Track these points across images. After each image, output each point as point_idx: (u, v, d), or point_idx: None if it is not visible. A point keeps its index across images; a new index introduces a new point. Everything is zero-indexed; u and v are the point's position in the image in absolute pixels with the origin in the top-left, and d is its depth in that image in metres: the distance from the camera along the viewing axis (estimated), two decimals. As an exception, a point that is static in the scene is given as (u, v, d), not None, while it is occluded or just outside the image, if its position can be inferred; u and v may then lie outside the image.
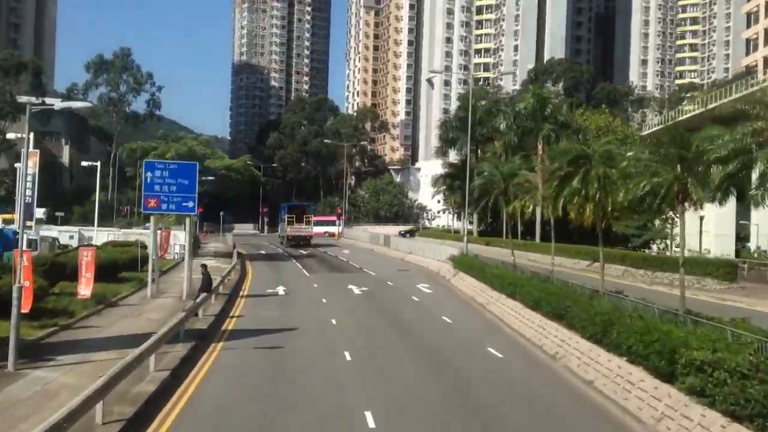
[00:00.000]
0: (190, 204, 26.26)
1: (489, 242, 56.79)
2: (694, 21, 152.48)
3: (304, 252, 56.97)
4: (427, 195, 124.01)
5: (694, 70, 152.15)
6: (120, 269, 29.03)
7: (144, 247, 36.62)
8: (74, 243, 41.05)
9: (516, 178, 31.04)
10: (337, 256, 52.36)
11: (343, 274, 38.69)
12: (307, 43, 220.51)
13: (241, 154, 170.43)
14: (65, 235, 41.41)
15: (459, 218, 75.66)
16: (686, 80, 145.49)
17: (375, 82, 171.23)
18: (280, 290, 30.44)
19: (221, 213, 71.88)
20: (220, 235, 69.83)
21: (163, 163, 26.32)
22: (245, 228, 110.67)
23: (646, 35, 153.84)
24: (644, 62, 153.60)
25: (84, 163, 39.32)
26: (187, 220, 29.71)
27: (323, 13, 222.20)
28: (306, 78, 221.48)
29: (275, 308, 24.98)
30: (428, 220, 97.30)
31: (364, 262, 45.73)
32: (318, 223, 75.74)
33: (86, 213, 66.97)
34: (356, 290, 30.76)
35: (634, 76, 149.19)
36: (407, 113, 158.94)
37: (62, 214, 64.92)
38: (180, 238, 44.00)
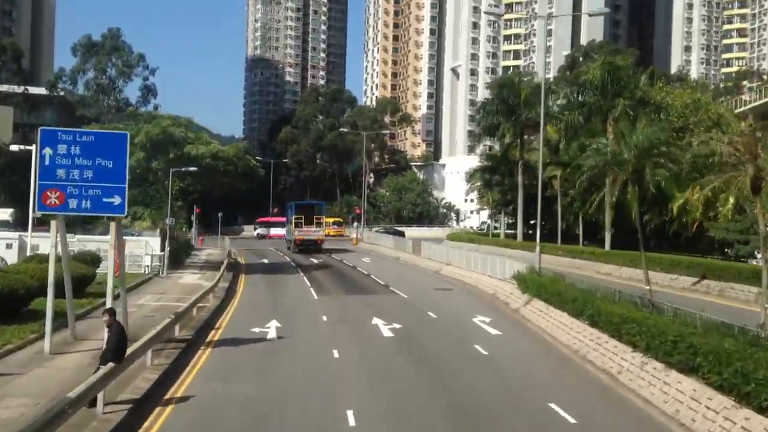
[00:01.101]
0: (116, 200, 16.01)
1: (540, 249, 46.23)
2: (743, 4, 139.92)
3: (315, 261, 46.81)
4: (452, 193, 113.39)
5: (742, 58, 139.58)
6: (21, 300, 18.93)
7: (91, 260, 26.61)
8: (12, 254, 31.22)
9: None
10: (356, 267, 42.12)
11: (364, 297, 28.41)
12: (323, 36, 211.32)
13: (254, 153, 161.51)
14: (1, 243, 31.58)
15: (497, 218, 65.06)
16: (733, 68, 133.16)
17: (395, 75, 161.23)
18: (272, 329, 20.22)
19: (220, 214, 62.04)
20: (220, 240, 60.00)
21: (70, 132, 16.17)
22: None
23: (689, 20, 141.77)
24: (687, 49, 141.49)
25: (14, 148, 29.24)
26: (115, 225, 19.43)
27: (340, 4, 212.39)
28: (322, 72, 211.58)
29: (252, 377, 14.63)
30: (457, 220, 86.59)
31: (391, 277, 35.46)
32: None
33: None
34: (385, 329, 20.45)
35: (676, 64, 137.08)
36: (429, 107, 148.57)
37: (39, 215, 55.47)
38: (154, 246, 34.06)
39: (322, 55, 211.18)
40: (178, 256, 41.45)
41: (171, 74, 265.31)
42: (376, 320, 21.70)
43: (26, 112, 66.47)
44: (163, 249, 34.42)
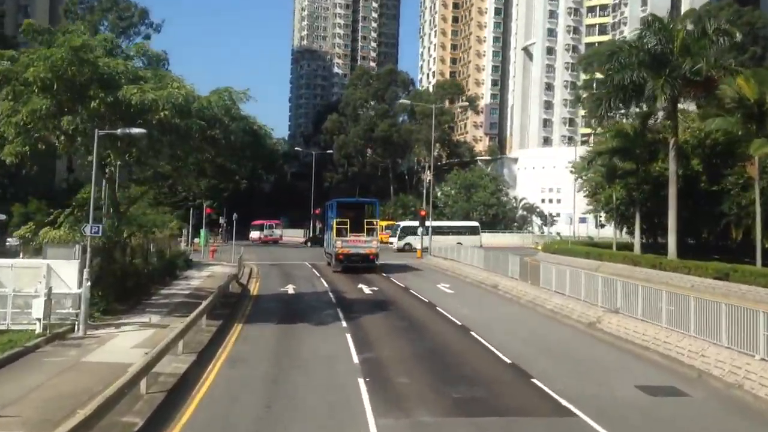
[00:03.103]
0: None
1: (721, 272, 28.45)
2: None
3: (366, 289, 29.96)
4: (526, 192, 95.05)
5: None
6: None
7: None
8: None
9: None
10: (436, 306, 25.04)
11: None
12: (374, 25, 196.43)
13: (298, 148, 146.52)
14: None
15: (618, 223, 46.83)
16: None
17: (454, 61, 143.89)
18: None
19: (234, 216, 46.05)
20: (234, 249, 43.79)
21: None
22: (295, 237, 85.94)
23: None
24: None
25: None
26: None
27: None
28: (372, 63, 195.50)
29: None
30: (545, 224, 68.03)
31: (519, 345, 18.31)
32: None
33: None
34: None
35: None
36: (493, 96, 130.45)
37: (3, 216, 41.22)
38: (67, 277, 17.88)
39: (373, 44, 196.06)
40: (142, 286, 25.34)
41: (213, 68, 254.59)
42: None
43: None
44: (93, 280, 18.24)
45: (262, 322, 21.27)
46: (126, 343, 16.75)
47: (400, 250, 57.25)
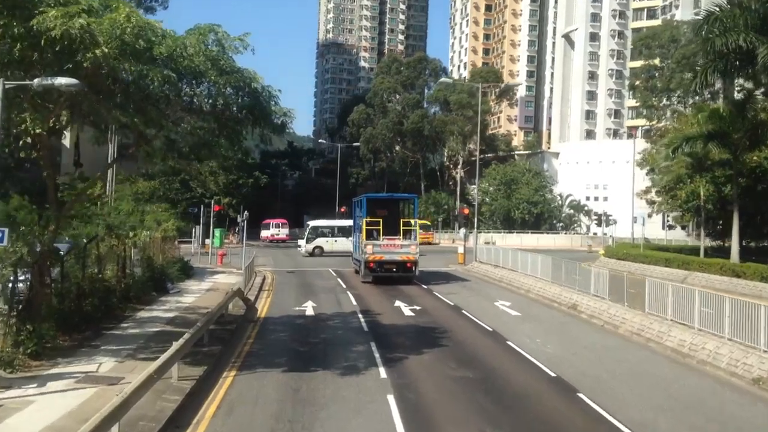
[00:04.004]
0: None
1: None
2: None
3: (406, 309, 23.15)
4: (569, 189, 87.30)
5: None
6: None
7: None
8: None
9: None
10: (509, 341, 18.19)
11: None
12: (401, 17, 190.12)
13: (324, 144, 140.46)
14: None
15: (705, 224, 39.35)
16: None
17: (486, 52, 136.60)
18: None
19: (245, 215, 39.55)
20: (244, 253, 37.28)
21: None
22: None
23: None
24: None
25: None
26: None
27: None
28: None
29: None
30: (600, 224, 60.36)
31: (686, 422, 11.44)
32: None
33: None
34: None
35: None
36: (528, 89, 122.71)
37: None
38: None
39: (401, 37, 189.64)
40: (110, 308, 18.93)
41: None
42: None
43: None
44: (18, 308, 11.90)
45: (264, 367, 14.66)
46: (35, 424, 10.25)
47: (310, 254, 47.50)
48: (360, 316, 21.86)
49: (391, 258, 30.28)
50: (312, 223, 51.09)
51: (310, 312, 22.72)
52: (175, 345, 13.43)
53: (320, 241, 47.93)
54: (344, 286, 30.13)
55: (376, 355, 15.88)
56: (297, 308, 23.48)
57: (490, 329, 19.68)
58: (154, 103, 13.16)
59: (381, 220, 30.51)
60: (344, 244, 41.55)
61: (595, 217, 57.39)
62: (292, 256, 50.00)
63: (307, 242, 48.81)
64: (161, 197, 59.35)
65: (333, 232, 47.97)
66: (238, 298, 22.45)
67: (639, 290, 20.39)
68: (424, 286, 30.26)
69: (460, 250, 41.39)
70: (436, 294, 27.65)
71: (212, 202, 41.29)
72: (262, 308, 23.49)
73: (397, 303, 24.75)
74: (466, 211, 41.88)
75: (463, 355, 16.31)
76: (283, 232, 74.99)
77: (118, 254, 21.20)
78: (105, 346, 15.70)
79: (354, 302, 25.19)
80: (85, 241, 18.30)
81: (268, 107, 15.03)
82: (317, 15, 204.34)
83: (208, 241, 48.62)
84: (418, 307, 23.79)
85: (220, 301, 20.56)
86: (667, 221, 48.87)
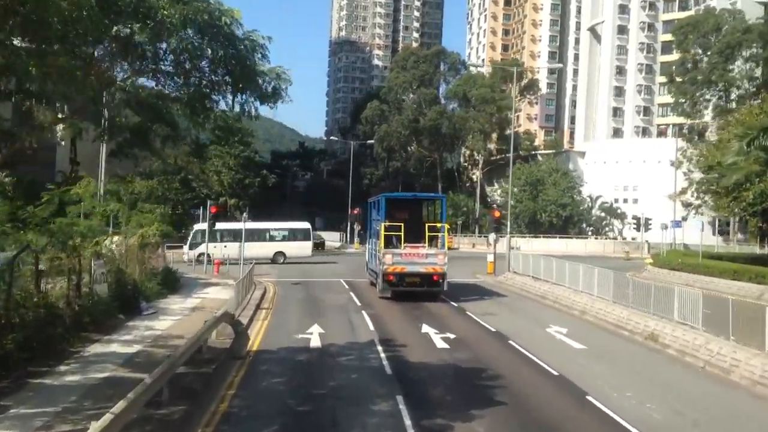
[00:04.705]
0: None
1: None
2: None
3: (439, 341, 18.04)
4: (598, 190, 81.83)
5: None
6: None
7: None
8: None
9: None
10: (590, 396, 13.24)
11: None
12: (416, 14, 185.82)
13: (336, 145, 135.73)
14: None
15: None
16: None
17: (505, 48, 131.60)
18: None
19: (245, 215, 34.72)
20: (242, 260, 32.43)
21: None
22: (330, 239, 74.94)
23: None
24: None
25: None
26: None
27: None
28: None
29: None
30: (640, 227, 54.94)
31: None
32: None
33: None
34: None
35: None
36: (549, 86, 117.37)
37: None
38: None
39: (415, 35, 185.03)
40: (48, 342, 14.12)
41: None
42: None
43: None
44: None
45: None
46: None
47: (198, 261, 38.45)
48: (379, 348, 16.93)
49: (414, 269, 25.33)
50: (197, 226, 43.22)
51: (315, 342, 17.83)
52: (103, 420, 8.58)
53: (204, 248, 37.51)
54: (358, 303, 25.24)
55: (407, 421, 10.96)
56: (300, 335, 18.60)
57: (555, 372, 14.67)
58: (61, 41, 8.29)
59: (402, 224, 25.57)
60: (236, 249, 34.36)
61: (634, 221, 52.14)
62: (297, 264, 45.30)
63: (190, 248, 41.20)
64: (159, 198, 54.92)
65: (223, 236, 40.94)
66: (226, 322, 17.63)
67: (744, 316, 15.37)
68: (453, 303, 25.32)
69: (490, 258, 36.32)
70: (470, 315, 22.70)
71: (209, 203, 36.49)
72: (256, 335, 18.65)
73: (425, 328, 19.83)
74: (498, 214, 36.70)
75: (531, 423, 11.34)
76: None
77: (70, 269, 16.44)
78: (16, 408, 10.89)
79: (371, 326, 20.28)
80: (13, 253, 13.55)
81: (253, 63, 10.13)
82: (330, 12, 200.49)
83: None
84: (451, 335, 18.84)
85: (203, 327, 15.72)
86: (718, 226, 43.54)
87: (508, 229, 36.34)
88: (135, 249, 22.84)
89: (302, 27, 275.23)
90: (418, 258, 25.30)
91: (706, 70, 64.87)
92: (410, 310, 23.63)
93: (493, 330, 19.89)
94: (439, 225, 26.52)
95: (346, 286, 30.65)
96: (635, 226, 51.49)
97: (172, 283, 25.76)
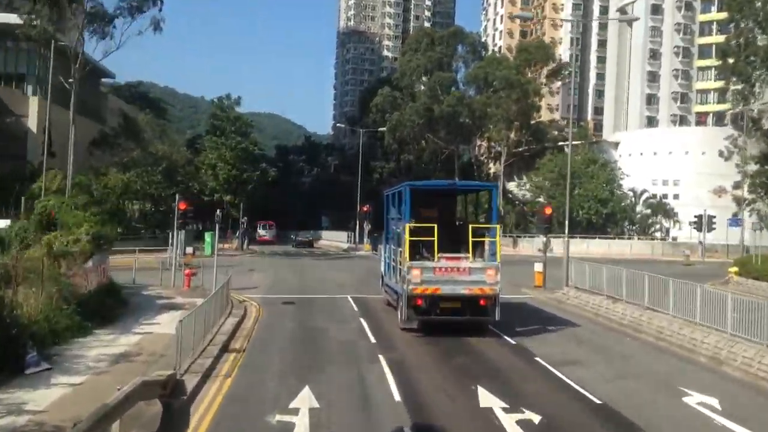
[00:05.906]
0: None
1: None
2: None
3: (513, 428, 10.54)
4: (633, 184, 73.73)
5: None
6: None
7: None
8: None
9: None
10: None
11: None
12: (427, 2, 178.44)
13: (344, 139, 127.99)
14: None
15: None
16: None
17: (524, 34, 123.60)
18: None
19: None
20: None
21: None
22: (337, 239, 68.20)
23: None
24: None
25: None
26: None
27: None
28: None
29: None
30: (701, 227, 46.79)
31: None
32: None
33: None
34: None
35: None
36: (570, 74, 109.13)
37: None
38: None
39: (427, 24, 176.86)
40: None
41: (255, 63, 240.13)
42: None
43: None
44: None
45: None
46: None
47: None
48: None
49: (453, 291, 17.49)
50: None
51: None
52: None
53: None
54: (372, 339, 17.44)
55: None
56: (277, 418, 10.78)
57: None
58: None
59: (435, 225, 17.72)
60: None
61: (695, 219, 44.22)
62: (298, 268, 37.62)
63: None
64: (137, 193, 47.39)
65: None
66: (142, 403, 9.82)
67: None
68: (508, 339, 17.55)
69: (537, 267, 28.43)
70: (543, 363, 14.85)
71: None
72: (202, 419, 10.86)
73: (484, 397, 12.01)
74: (549, 210, 28.78)
75: None
76: (270, 234, 71.84)
77: None
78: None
79: (396, 394, 12.39)
80: None
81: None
82: (337, 2, 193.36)
83: (189, 250, 36.58)
84: (532, 415, 10.99)
85: (94, 411, 7.97)
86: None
87: (566, 231, 28.31)
88: (41, 263, 15.14)
89: (308, 17, 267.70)
90: (458, 274, 17.46)
91: (763, 49, 56.60)
92: (451, 353, 15.87)
93: (597, 402, 12.01)
94: (487, 228, 18.69)
95: (355, 308, 22.91)
96: (695, 225, 43.39)
97: (109, 309, 18.02)
